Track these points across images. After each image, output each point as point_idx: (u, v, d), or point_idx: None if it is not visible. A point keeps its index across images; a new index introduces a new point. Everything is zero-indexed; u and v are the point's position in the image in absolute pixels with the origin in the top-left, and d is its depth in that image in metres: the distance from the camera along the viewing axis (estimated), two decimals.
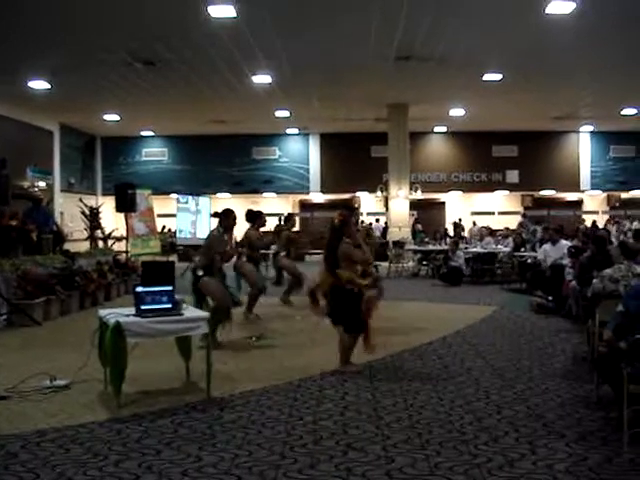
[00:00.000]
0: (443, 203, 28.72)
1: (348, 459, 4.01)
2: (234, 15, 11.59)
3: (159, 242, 19.30)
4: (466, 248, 16.22)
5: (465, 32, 12.94)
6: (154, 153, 27.66)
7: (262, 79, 16.89)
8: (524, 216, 24.79)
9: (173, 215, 20.57)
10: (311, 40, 13.50)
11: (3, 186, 10.73)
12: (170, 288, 5.40)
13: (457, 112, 22.09)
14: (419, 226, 24.31)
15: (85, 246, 15.35)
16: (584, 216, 26.15)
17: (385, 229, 23.94)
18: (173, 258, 18.70)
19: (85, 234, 16.28)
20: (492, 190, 27.55)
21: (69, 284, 10.45)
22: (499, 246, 16.03)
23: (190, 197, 20.04)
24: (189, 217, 19.38)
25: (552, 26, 12.17)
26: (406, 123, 21.39)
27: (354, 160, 26.19)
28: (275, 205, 26.89)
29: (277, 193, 27.67)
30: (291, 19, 12.27)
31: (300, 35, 13.21)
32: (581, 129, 26.57)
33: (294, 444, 4.28)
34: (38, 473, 3.80)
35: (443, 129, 26.55)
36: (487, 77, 16.70)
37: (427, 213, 27.31)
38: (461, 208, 28.04)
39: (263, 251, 11.66)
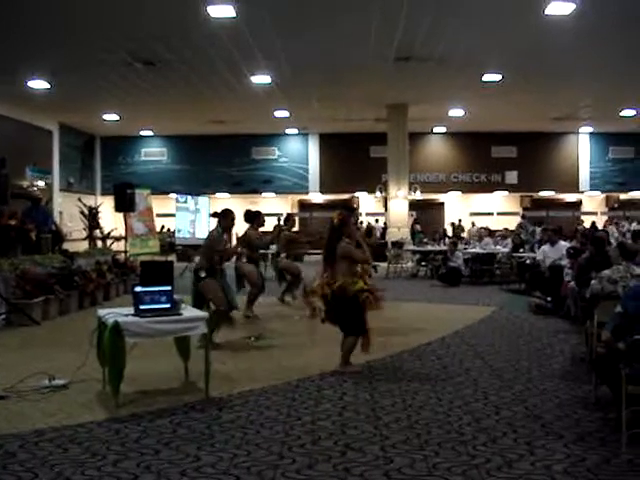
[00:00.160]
0: (442, 204, 28.72)
1: (346, 459, 4.01)
2: (233, 15, 11.60)
3: (158, 242, 19.24)
4: (465, 249, 16.23)
5: (465, 32, 12.95)
6: (153, 153, 27.66)
7: (261, 79, 16.90)
8: (523, 217, 24.72)
9: (172, 215, 20.54)
10: (311, 40, 13.50)
11: (2, 185, 10.73)
12: (169, 288, 5.40)
13: (456, 112, 22.09)
14: (418, 226, 24.28)
15: (84, 246, 15.36)
16: (583, 217, 26.15)
17: (384, 229, 23.95)
18: (172, 258, 18.68)
19: (84, 234, 16.30)
20: (491, 191, 27.57)
21: (68, 284, 10.45)
22: (498, 247, 16.03)
23: (189, 197, 20.05)
24: (188, 217, 19.40)
25: (552, 27, 12.18)
26: (405, 123, 21.38)
27: (353, 160, 26.20)
28: (274, 205, 26.90)
29: (276, 193, 27.67)
30: (291, 19, 12.28)
31: (300, 35, 13.21)
32: (580, 130, 26.58)
33: (292, 444, 4.28)
34: (36, 473, 3.80)
35: (442, 129, 26.55)
36: (487, 77, 16.70)
37: (426, 213, 27.30)
38: (460, 209, 28.05)
39: (262, 251, 11.66)
